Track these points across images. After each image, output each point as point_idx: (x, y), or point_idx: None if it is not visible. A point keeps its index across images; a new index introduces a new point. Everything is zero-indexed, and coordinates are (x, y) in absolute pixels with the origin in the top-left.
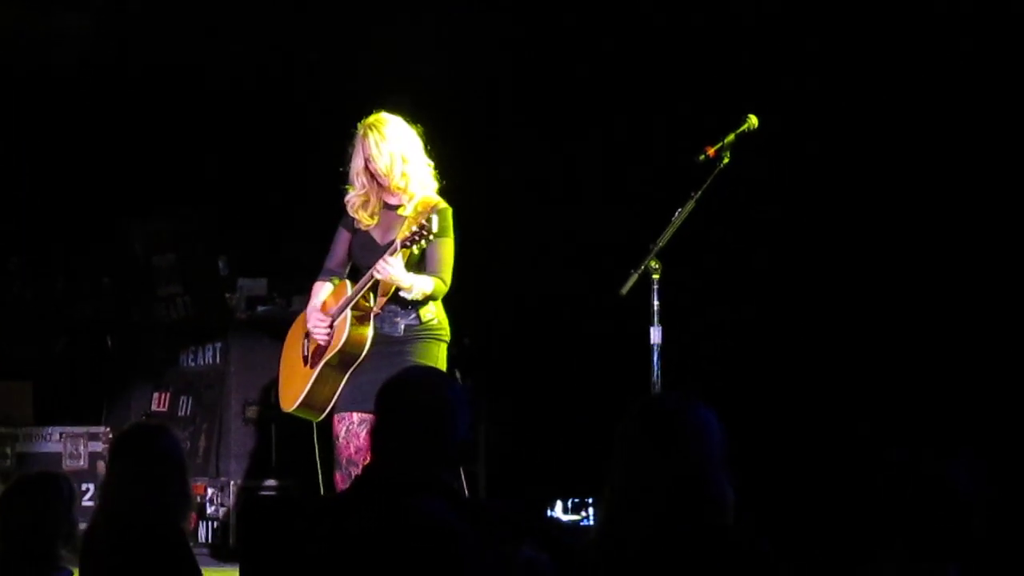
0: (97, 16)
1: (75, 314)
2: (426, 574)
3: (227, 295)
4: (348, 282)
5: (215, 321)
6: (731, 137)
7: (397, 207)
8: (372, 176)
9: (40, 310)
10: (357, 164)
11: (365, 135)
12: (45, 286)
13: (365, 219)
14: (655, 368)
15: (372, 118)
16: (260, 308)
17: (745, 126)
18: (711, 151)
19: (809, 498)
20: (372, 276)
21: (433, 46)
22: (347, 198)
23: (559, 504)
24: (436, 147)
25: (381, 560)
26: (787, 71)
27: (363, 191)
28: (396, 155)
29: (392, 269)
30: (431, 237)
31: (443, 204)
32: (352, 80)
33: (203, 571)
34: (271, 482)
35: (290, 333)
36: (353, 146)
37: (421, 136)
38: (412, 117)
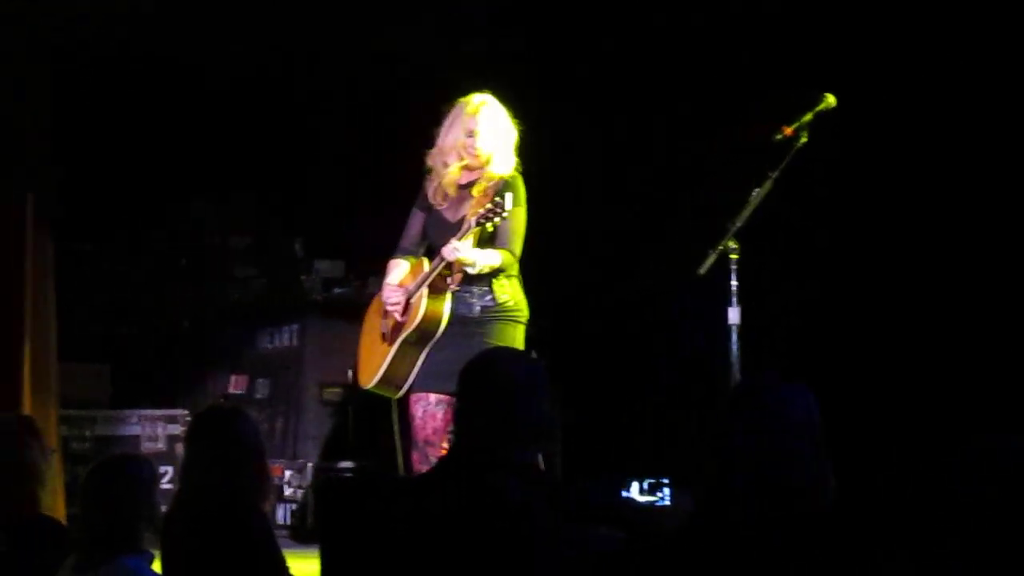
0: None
1: (152, 297)
2: (501, 552)
3: (303, 277)
4: (425, 260)
5: (291, 303)
6: (808, 116)
7: (470, 185)
8: (463, 155)
9: (117, 293)
10: (455, 137)
11: (475, 112)
12: (121, 269)
13: (451, 191)
14: (733, 348)
15: (481, 97)
16: (336, 290)
17: (822, 105)
18: (788, 131)
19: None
20: (442, 259)
21: (484, 26)
22: (431, 166)
23: (635, 485)
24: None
25: (460, 538)
26: (866, 50)
27: (449, 166)
28: (500, 138)
29: (459, 253)
30: (504, 215)
31: (512, 172)
32: (439, 65)
33: (283, 552)
34: (348, 463)
35: (368, 311)
36: (449, 118)
37: (516, 126)
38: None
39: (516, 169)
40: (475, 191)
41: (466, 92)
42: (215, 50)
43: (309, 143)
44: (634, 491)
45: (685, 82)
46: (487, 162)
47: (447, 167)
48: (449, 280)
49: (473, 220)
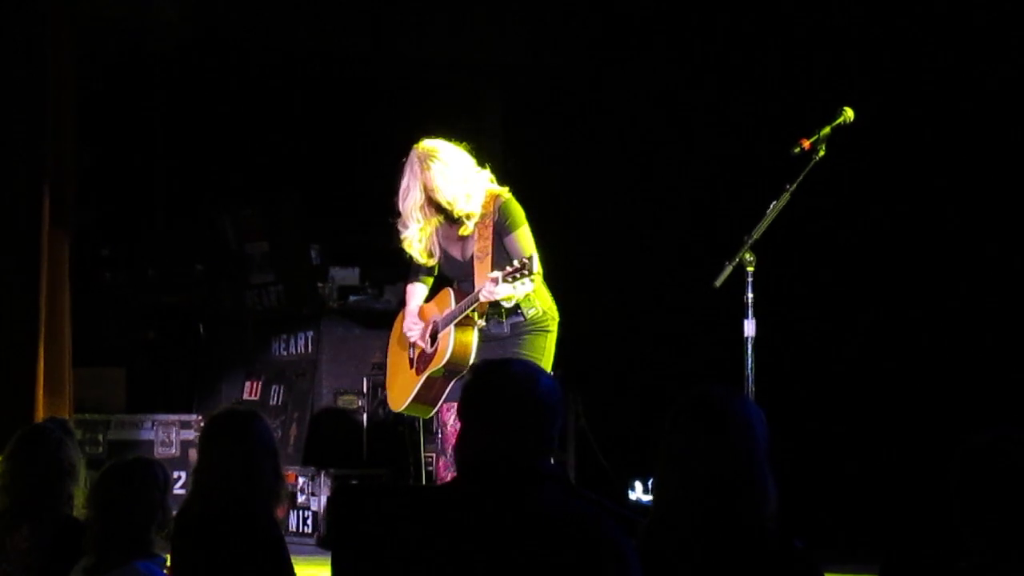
0: (188, 4)
1: (167, 302)
2: (565, 563)
3: (319, 284)
4: (451, 291)
5: (307, 310)
6: (827, 130)
7: (459, 224)
8: (434, 206)
9: (133, 298)
10: (415, 199)
11: (426, 167)
12: (138, 274)
13: (423, 257)
14: (748, 361)
15: (425, 148)
16: (352, 297)
17: (841, 119)
18: (806, 144)
19: (898, 494)
20: (478, 299)
21: (520, 37)
22: (404, 235)
23: (638, 484)
24: (524, 137)
25: (508, 550)
26: (884, 64)
27: (420, 225)
28: (459, 181)
29: (498, 296)
30: (532, 277)
31: (506, 195)
32: (445, 72)
33: (294, 559)
34: (362, 471)
35: (393, 333)
36: (404, 180)
37: (469, 152)
38: (502, 118)
39: (498, 181)
40: (465, 231)
41: (479, 101)
42: (235, 55)
43: (326, 151)
44: (638, 490)
45: (702, 93)
46: (454, 204)
47: (417, 228)
48: (476, 319)
49: (500, 276)
